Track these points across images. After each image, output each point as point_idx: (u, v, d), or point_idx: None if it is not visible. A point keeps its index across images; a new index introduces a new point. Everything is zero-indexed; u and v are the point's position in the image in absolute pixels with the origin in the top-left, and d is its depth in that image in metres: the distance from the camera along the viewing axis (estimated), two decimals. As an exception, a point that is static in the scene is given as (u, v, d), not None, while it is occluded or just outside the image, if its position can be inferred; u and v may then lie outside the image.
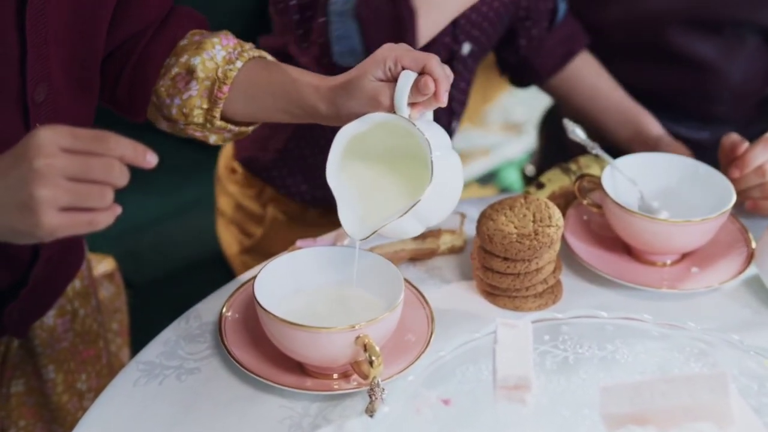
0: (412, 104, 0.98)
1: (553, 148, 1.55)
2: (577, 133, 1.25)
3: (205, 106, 1.06)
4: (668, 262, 1.18)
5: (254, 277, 1.02)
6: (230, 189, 1.52)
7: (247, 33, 1.33)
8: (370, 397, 0.96)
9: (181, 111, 1.06)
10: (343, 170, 1.00)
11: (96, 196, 0.80)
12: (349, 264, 1.06)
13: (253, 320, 1.04)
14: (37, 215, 0.79)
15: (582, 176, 1.21)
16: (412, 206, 0.95)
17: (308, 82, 1.03)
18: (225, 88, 1.04)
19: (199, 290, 1.15)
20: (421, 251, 1.18)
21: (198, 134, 1.09)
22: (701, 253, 1.19)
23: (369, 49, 1.09)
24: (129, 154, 0.81)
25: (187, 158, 1.75)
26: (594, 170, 1.27)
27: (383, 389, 0.96)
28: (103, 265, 1.34)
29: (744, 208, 1.25)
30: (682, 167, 1.22)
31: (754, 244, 1.19)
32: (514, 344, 0.88)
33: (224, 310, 1.07)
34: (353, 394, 1.00)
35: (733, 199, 1.15)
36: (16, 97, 0.96)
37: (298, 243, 1.15)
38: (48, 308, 1.18)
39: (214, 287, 1.14)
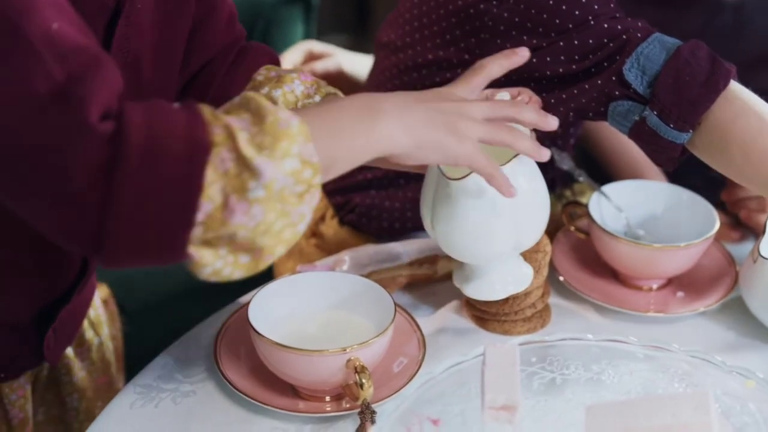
0: None
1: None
2: (564, 160, 1.28)
3: None
4: (654, 286, 1.21)
5: (250, 301, 1.04)
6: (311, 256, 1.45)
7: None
8: (361, 420, 0.98)
9: None
10: None
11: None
12: (344, 289, 1.09)
13: (248, 343, 1.06)
14: (461, 142, 0.93)
15: (569, 203, 1.23)
16: (513, 157, 0.99)
17: None
18: None
19: (192, 316, 1.17)
20: (418, 276, 1.20)
21: None
22: (687, 277, 1.21)
23: (657, 82, 1.07)
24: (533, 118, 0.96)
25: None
26: (587, 197, 1.30)
27: (374, 411, 0.98)
28: (97, 292, 1.35)
29: (739, 219, 1.28)
30: (667, 194, 1.25)
31: (738, 269, 1.21)
32: (501, 366, 0.90)
33: (220, 333, 1.09)
34: (345, 416, 1.02)
35: (717, 225, 1.18)
36: None
37: (299, 268, 1.17)
38: (75, 334, 1.19)
39: (207, 312, 1.16)
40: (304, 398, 1.03)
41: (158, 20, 1.02)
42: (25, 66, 0.79)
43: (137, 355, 1.21)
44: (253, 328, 1.00)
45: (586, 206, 1.21)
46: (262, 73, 1.10)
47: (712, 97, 1.06)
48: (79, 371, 1.22)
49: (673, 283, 1.21)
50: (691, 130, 1.07)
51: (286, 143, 0.84)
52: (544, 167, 1.34)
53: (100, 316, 1.26)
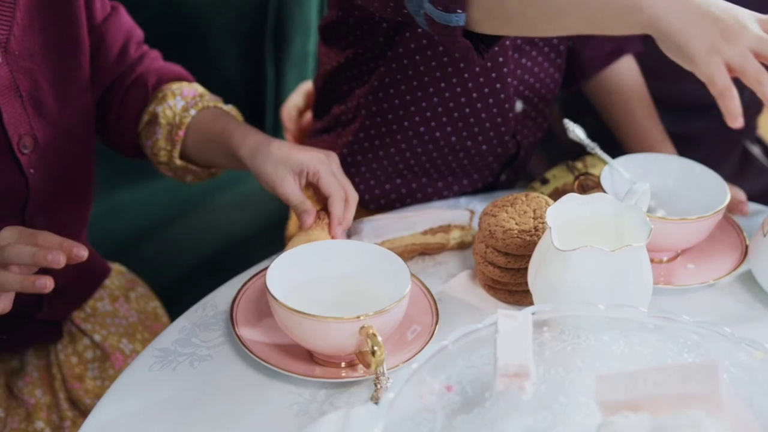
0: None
1: (555, 147, 1.58)
2: (576, 132, 1.28)
3: (167, 147, 1.26)
4: (665, 258, 1.22)
5: (267, 267, 1.06)
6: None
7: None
8: (375, 386, 1.00)
9: (152, 151, 1.28)
10: None
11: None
12: (361, 257, 1.10)
13: (263, 309, 1.08)
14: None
15: (582, 174, 1.24)
16: (625, 246, 1.00)
17: (241, 133, 1.19)
18: (180, 132, 1.25)
19: (215, 286, 1.19)
20: (431, 246, 1.22)
21: (169, 174, 1.30)
22: (697, 250, 1.22)
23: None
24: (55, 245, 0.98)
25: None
26: (599, 169, 1.31)
27: (388, 378, 1.00)
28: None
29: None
30: (678, 167, 1.26)
31: (747, 242, 1.22)
32: (514, 334, 0.92)
33: (236, 298, 1.11)
34: (359, 382, 1.04)
35: (728, 198, 1.19)
36: (5, 149, 1.13)
37: None
38: (83, 302, 1.31)
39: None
40: (319, 364, 1.05)
41: (50, 58, 1.15)
42: None
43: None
44: (271, 294, 1.02)
45: (598, 178, 1.22)
46: (158, 94, 1.27)
47: None
48: (126, 319, 1.35)
49: (684, 255, 1.23)
50: (461, 11, 1.03)
51: None
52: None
53: (125, 284, 1.39)
